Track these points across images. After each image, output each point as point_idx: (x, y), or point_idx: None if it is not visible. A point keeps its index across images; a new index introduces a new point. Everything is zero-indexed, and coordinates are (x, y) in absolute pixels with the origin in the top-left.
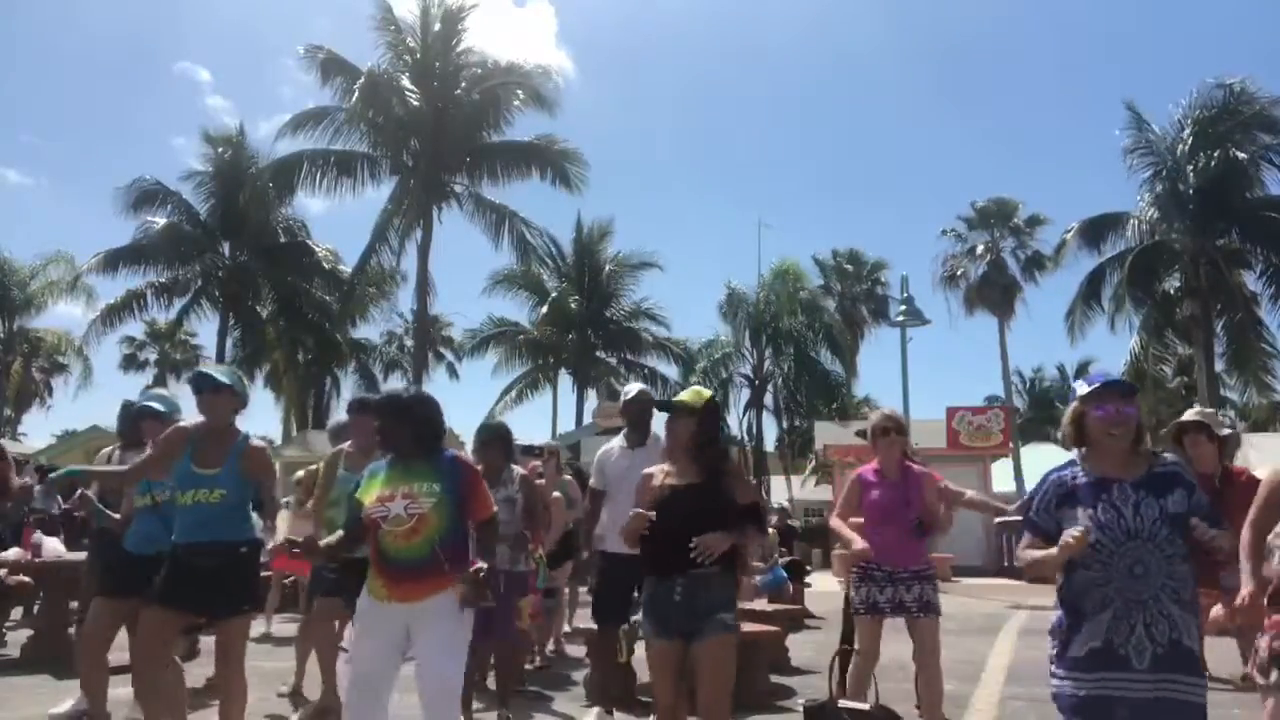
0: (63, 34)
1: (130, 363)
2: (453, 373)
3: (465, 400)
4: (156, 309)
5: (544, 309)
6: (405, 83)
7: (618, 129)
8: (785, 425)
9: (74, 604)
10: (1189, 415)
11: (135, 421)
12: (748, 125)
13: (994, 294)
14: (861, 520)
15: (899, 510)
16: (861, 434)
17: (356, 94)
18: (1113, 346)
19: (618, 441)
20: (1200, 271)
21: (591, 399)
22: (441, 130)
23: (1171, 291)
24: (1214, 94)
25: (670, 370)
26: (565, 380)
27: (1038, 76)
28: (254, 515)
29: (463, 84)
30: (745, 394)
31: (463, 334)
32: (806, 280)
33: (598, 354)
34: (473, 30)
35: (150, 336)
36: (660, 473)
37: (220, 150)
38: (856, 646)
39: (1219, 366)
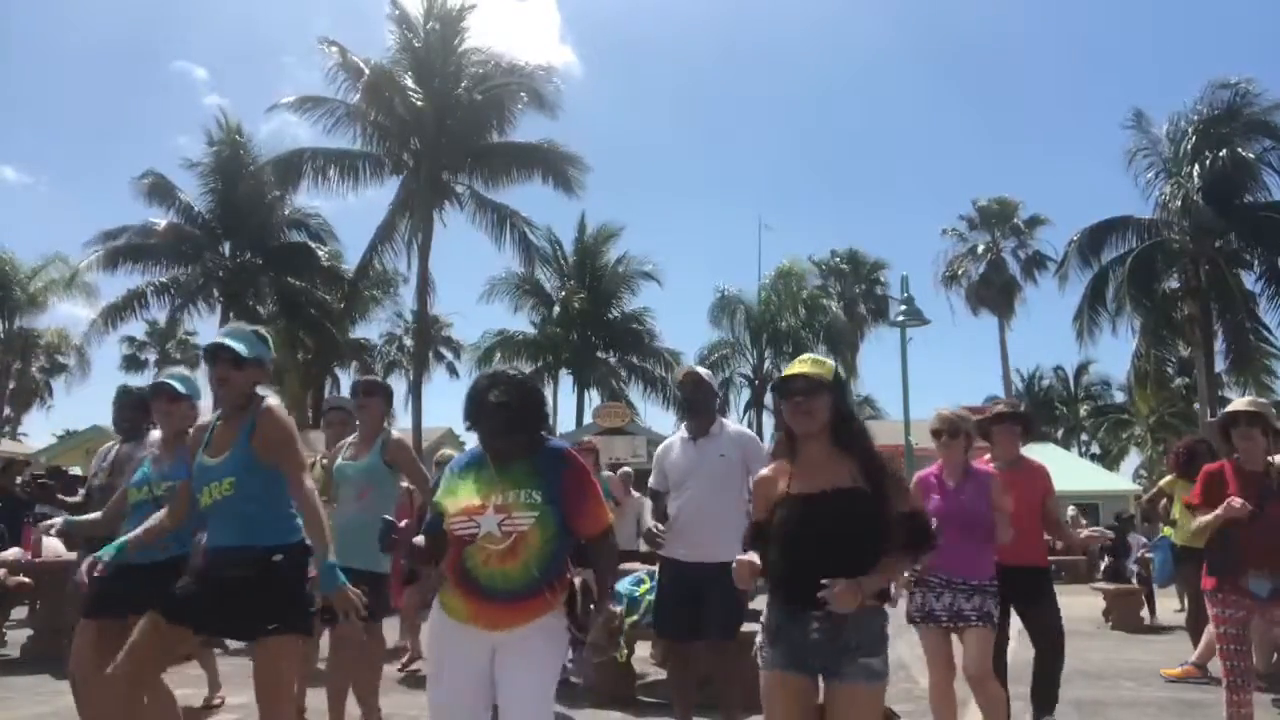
0: (60, 32)
1: (131, 363)
2: (453, 372)
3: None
4: (157, 308)
5: (555, 309)
6: (409, 82)
7: (619, 125)
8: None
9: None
10: (1240, 405)
11: (132, 410)
12: (748, 124)
13: (994, 294)
14: None
15: (954, 517)
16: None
17: (363, 92)
18: (1116, 347)
19: (676, 435)
20: (1200, 272)
21: (591, 399)
22: (443, 130)
23: (1169, 292)
24: (1218, 96)
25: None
26: (566, 380)
27: (1038, 76)
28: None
29: (464, 84)
30: (745, 394)
31: (466, 349)
32: (807, 280)
33: (598, 354)
34: (474, 29)
35: (151, 336)
36: (778, 474)
37: (220, 149)
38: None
39: (1219, 366)
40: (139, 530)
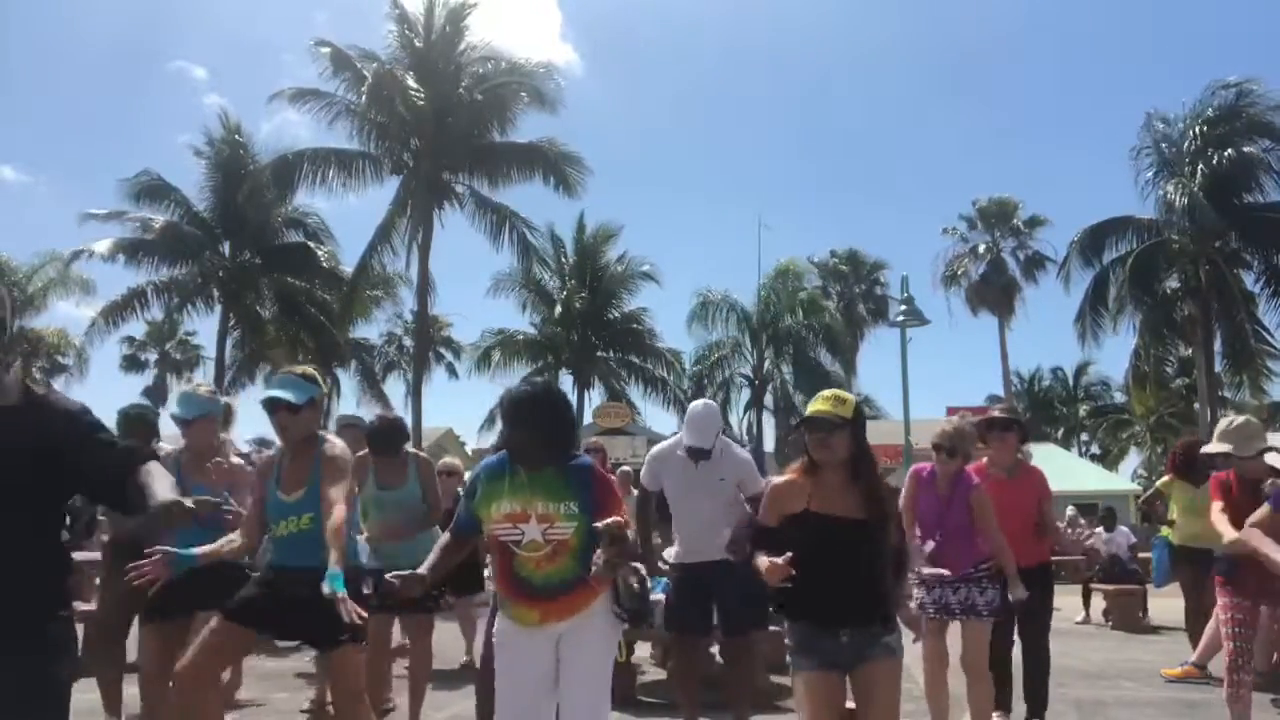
0: (59, 32)
1: (131, 364)
2: (452, 372)
3: (466, 400)
4: (157, 308)
5: (556, 309)
6: (410, 81)
7: (619, 124)
8: (785, 425)
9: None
10: (1211, 449)
11: (131, 432)
12: (748, 124)
13: (994, 294)
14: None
15: (939, 523)
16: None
17: (366, 94)
18: (1116, 347)
19: (676, 448)
20: (1200, 272)
21: (591, 399)
22: (443, 129)
23: (1169, 292)
24: (1220, 95)
25: (665, 374)
26: (566, 380)
27: (1038, 76)
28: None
29: (465, 83)
30: (745, 394)
31: (466, 349)
32: (806, 280)
33: (598, 354)
34: (475, 28)
35: (150, 336)
36: (799, 488)
37: (219, 149)
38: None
39: (1219, 366)
40: (214, 546)
